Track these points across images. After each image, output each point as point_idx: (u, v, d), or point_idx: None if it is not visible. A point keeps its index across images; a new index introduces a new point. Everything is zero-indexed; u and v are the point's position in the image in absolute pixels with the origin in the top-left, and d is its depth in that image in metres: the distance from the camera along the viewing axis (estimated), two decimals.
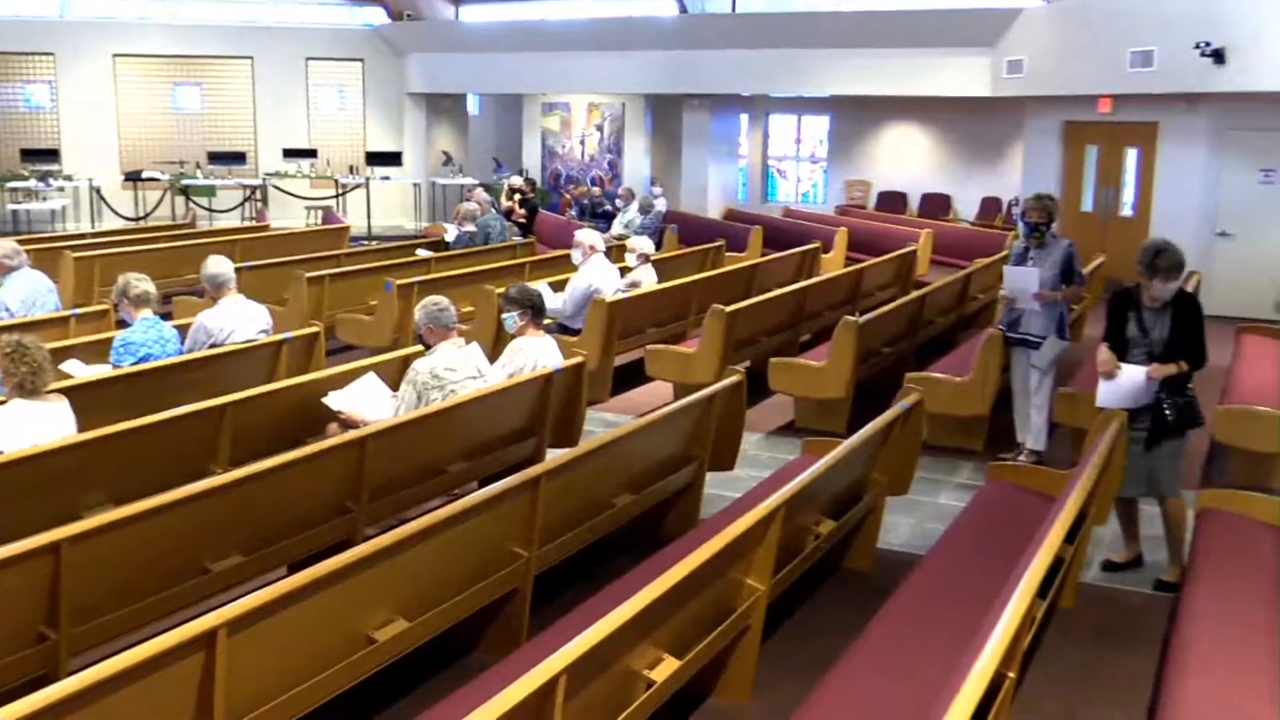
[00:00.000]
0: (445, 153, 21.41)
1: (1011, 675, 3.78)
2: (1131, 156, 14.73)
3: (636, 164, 20.16)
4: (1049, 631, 5.16)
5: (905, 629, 4.44)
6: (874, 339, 8.86)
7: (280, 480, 4.87)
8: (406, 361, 6.52)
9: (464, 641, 4.85)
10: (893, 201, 19.94)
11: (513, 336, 6.72)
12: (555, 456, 5.15)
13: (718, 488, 6.68)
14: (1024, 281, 7.31)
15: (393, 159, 20.30)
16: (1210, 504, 5.53)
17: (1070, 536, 4.68)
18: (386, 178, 20.14)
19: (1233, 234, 13.64)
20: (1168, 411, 5.54)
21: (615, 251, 11.96)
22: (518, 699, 2.92)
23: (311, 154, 20.21)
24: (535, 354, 6.55)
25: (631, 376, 9.67)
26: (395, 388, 6.26)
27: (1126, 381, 5.62)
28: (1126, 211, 14.96)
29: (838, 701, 3.88)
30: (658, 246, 14.11)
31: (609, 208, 18.31)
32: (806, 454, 6.17)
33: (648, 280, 10.36)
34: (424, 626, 4.24)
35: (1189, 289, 5.83)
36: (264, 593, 3.51)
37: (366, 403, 6.14)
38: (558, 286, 9.81)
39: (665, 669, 3.87)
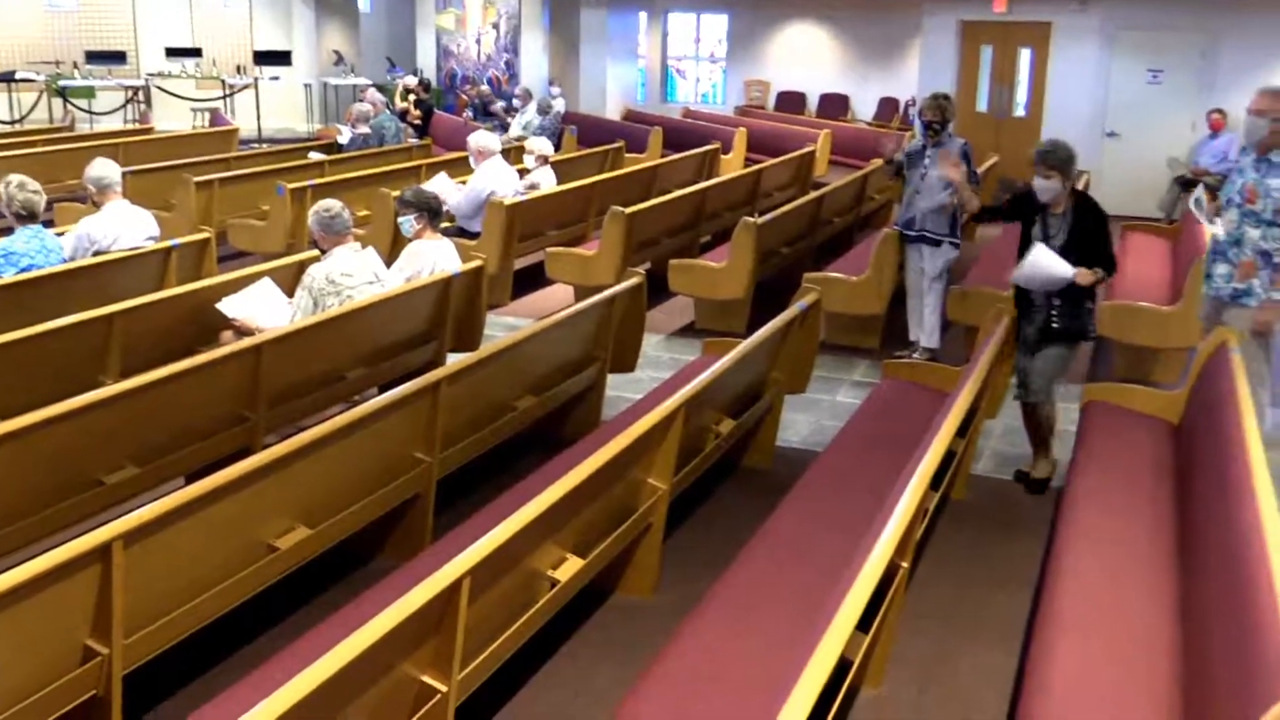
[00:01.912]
0: (336, 52, 20.77)
1: (905, 564, 3.91)
2: (1025, 56, 14.90)
3: (534, 64, 19.79)
4: (942, 521, 5.33)
5: (803, 523, 4.55)
6: (773, 239, 8.91)
7: (174, 390, 4.77)
8: (302, 267, 6.40)
9: (367, 547, 4.84)
10: (792, 102, 19.91)
11: (410, 240, 6.62)
12: (456, 361, 5.13)
13: (619, 389, 6.73)
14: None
15: (282, 58, 19.61)
16: (1095, 397, 5.71)
17: (962, 430, 4.82)
18: (276, 78, 19.48)
19: (1121, 134, 13.91)
20: (1054, 321, 5.43)
21: (513, 153, 11.81)
22: (421, 602, 2.94)
23: (196, 53, 19.43)
24: (433, 257, 6.47)
25: (532, 279, 9.63)
26: (291, 294, 6.15)
27: (1044, 267, 5.36)
28: (1020, 111, 15.18)
29: (738, 595, 3.98)
30: (556, 148, 13.95)
31: (501, 105, 17.99)
32: (706, 354, 6.23)
33: (547, 182, 10.26)
34: (326, 534, 4.23)
35: (1081, 191, 5.67)
36: (160, 504, 3.46)
37: (261, 309, 6.02)
38: (461, 184, 9.67)
39: (569, 568, 3.92)
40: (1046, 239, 5.44)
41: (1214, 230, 6.05)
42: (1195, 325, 6.90)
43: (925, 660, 4.26)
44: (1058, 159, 5.39)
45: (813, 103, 19.86)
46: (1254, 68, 12.78)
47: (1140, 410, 5.55)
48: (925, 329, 7.72)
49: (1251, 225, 5.66)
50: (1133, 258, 9.18)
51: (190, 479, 4.50)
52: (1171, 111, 13.64)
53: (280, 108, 19.99)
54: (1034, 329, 5.57)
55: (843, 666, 3.12)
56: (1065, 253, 5.34)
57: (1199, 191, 6.23)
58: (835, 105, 19.51)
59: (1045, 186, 5.42)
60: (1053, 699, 3.22)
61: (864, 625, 3.30)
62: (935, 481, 4.25)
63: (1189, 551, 4.01)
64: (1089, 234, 5.42)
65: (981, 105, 15.44)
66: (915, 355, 7.61)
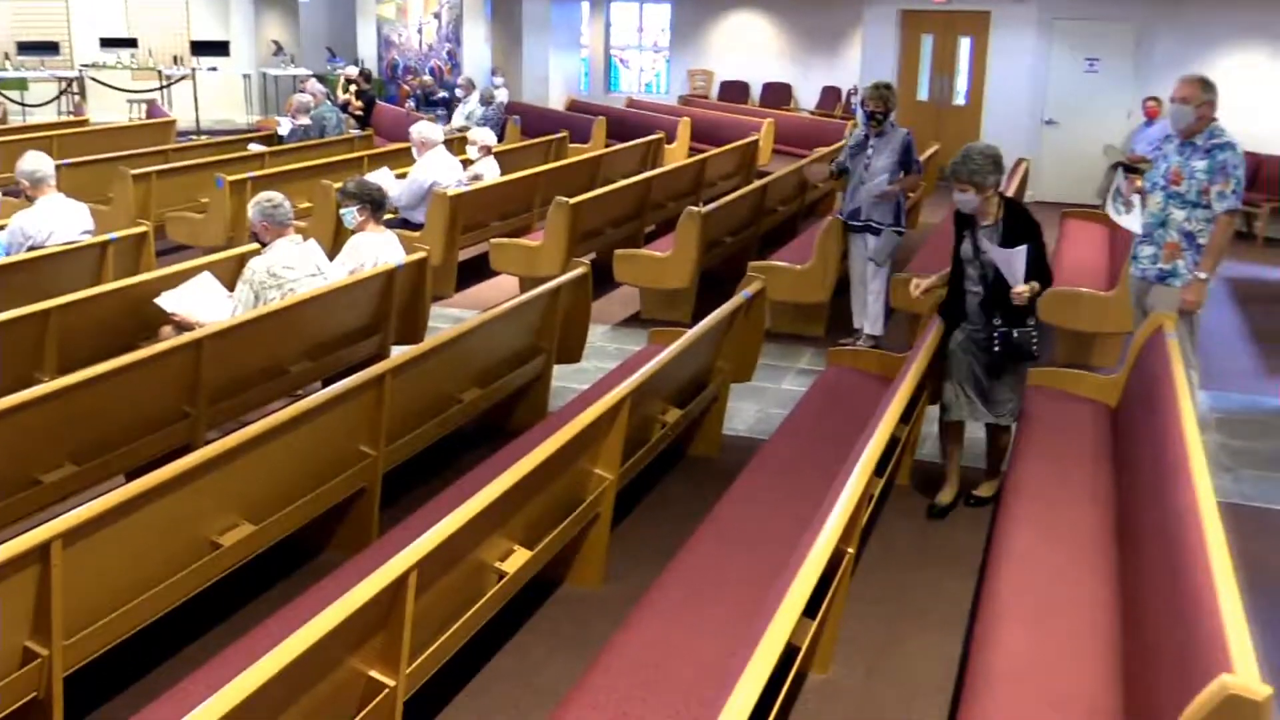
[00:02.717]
0: (276, 42, 20.53)
1: (851, 550, 3.95)
2: (965, 46, 15.03)
3: (477, 53, 19.67)
4: (887, 507, 5.37)
5: (750, 511, 4.57)
6: (717, 229, 8.94)
7: (113, 386, 4.70)
8: (242, 260, 6.32)
9: (313, 542, 4.81)
10: (735, 91, 19.94)
11: (352, 232, 6.57)
12: (400, 353, 5.10)
13: (565, 380, 6.72)
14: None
15: (220, 49, 19.34)
16: (1037, 381, 5.79)
17: (905, 417, 4.87)
18: (214, 69, 19.22)
19: (1059, 122, 14.09)
20: (996, 343, 5.07)
21: (456, 144, 11.74)
22: (368, 596, 2.92)
23: (131, 44, 19.12)
24: (376, 250, 6.42)
25: (476, 271, 9.59)
26: (231, 288, 6.08)
27: (1012, 266, 4.99)
28: (960, 100, 15.31)
29: (686, 583, 3.99)
30: (500, 138, 13.89)
31: (446, 96, 17.87)
32: (652, 344, 6.24)
33: (490, 173, 10.21)
34: (270, 529, 4.19)
35: (1018, 194, 5.67)
36: (100, 502, 3.41)
37: (201, 303, 5.95)
38: (401, 177, 9.60)
39: (517, 560, 3.91)
40: (977, 254, 5.12)
41: (1125, 222, 6.17)
42: (1131, 310, 7.03)
43: (872, 644, 4.30)
44: (968, 171, 5.02)
45: (756, 92, 19.91)
46: (1187, 56, 12.98)
47: (1080, 394, 5.64)
48: (869, 316, 7.78)
49: (1176, 207, 5.79)
50: (1071, 244, 9.32)
51: (130, 476, 4.41)
52: (1108, 99, 13.83)
53: (219, 99, 19.72)
54: (977, 349, 5.20)
55: (790, 652, 3.15)
56: (998, 267, 5.05)
57: (1118, 180, 6.29)
58: (778, 94, 19.57)
59: (962, 200, 5.10)
60: (996, 680, 3.27)
61: (811, 611, 3.33)
62: (880, 468, 4.29)
63: (1128, 533, 4.07)
64: (1030, 243, 5.03)
65: (923, 94, 15.57)
66: (859, 343, 7.66)
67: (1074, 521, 4.29)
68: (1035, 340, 5.11)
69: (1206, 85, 5.76)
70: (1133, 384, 5.38)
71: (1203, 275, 5.73)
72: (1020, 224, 5.08)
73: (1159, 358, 4.98)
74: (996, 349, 5.07)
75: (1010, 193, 9.94)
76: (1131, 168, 10.92)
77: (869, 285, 7.73)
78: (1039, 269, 5.03)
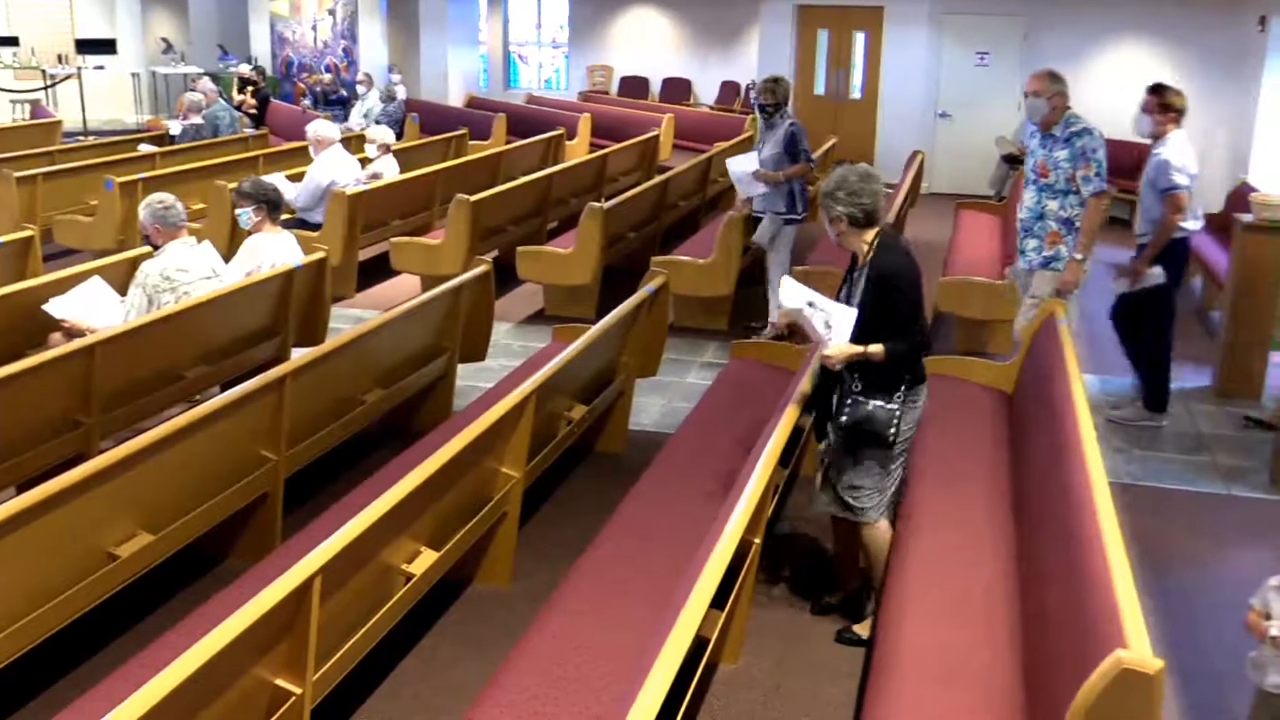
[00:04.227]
0: (165, 40, 20.05)
1: (757, 540, 3.99)
2: (860, 40, 15.24)
3: (373, 50, 19.43)
4: (793, 497, 5.44)
5: (657, 505, 4.59)
6: (620, 224, 8.96)
7: (0, 396, 4.56)
8: (134, 264, 6.17)
9: (216, 550, 4.72)
10: (635, 87, 19.99)
11: (248, 233, 6.45)
12: (300, 355, 5.02)
13: (470, 379, 6.68)
14: (741, 167, 7.65)
15: (106, 47, 18.83)
16: (935, 370, 5.88)
17: (808, 407, 4.91)
18: (101, 67, 18.71)
19: (952, 115, 14.37)
20: (844, 415, 4.06)
21: (355, 142, 11.59)
22: (271, 603, 2.88)
23: (13, 42, 18.52)
24: (273, 251, 6.32)
25: (377, 270, 9.49)
26: (124, 292, 5.93)
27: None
28: (856, 94, 15.53)
29: (595, 579, 4.00)
30: (399, 136, 13.75)
31: (343, 94, 17.63)
32: (556, 341, 6.23)
33: (389, 171, 10.10)
34: (169, 539, 4.10)
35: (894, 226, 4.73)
36: None
37: (92, 309, 5.79)
38: (295, 179, 9.45)
39: (424, 561, 3.88)
40: (849, 299, 4.12)
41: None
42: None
43: (781, 633, 4.35)
44: (832, 201, 4.04)
45: (655, 87, 19.98)
46: (1073, 50, 13.35)
47: (977, 381, 5.76)
48: (772, 304, 7.95)
49: (1049, 198, 5.99)
50: (965, 234, 9.52)
51: (22, 489, 4.31)
52: (998, 92, 14.13)
53: (106, 98, 19.21)
54: (829, 419, 4.20)
55: (699, 644, 3.18)
56: (861, 316, 3.99)
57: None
58: (678, 89, 19.66)
59: (832, 235, 4.17)
60: (901, 663, 3.33)
61: (719, 602, 3.36)
62: (784, 458, 4.34)
63: (1025, 514, 4.18)
64: (875, 299, 4.00)
65: (819, 88, 15.75)
66: (765, 332, 7.82)
67: (974, 505, 4.39)
68: (895, 422, 4.02)
69: (1055, 77, 5.95)
70: (1027, 370, 5.51)
71: (1079, 256, 5.95)
72: (880, 268, 4.01)
73: (1052, 344, 5.11)
74: (843, 420, 4.05)
75: (906, 185, 10.21)
76: (1019, 159, 11.17)
77: (768, 273, 7.91)
78: (894, 324, 3.97)
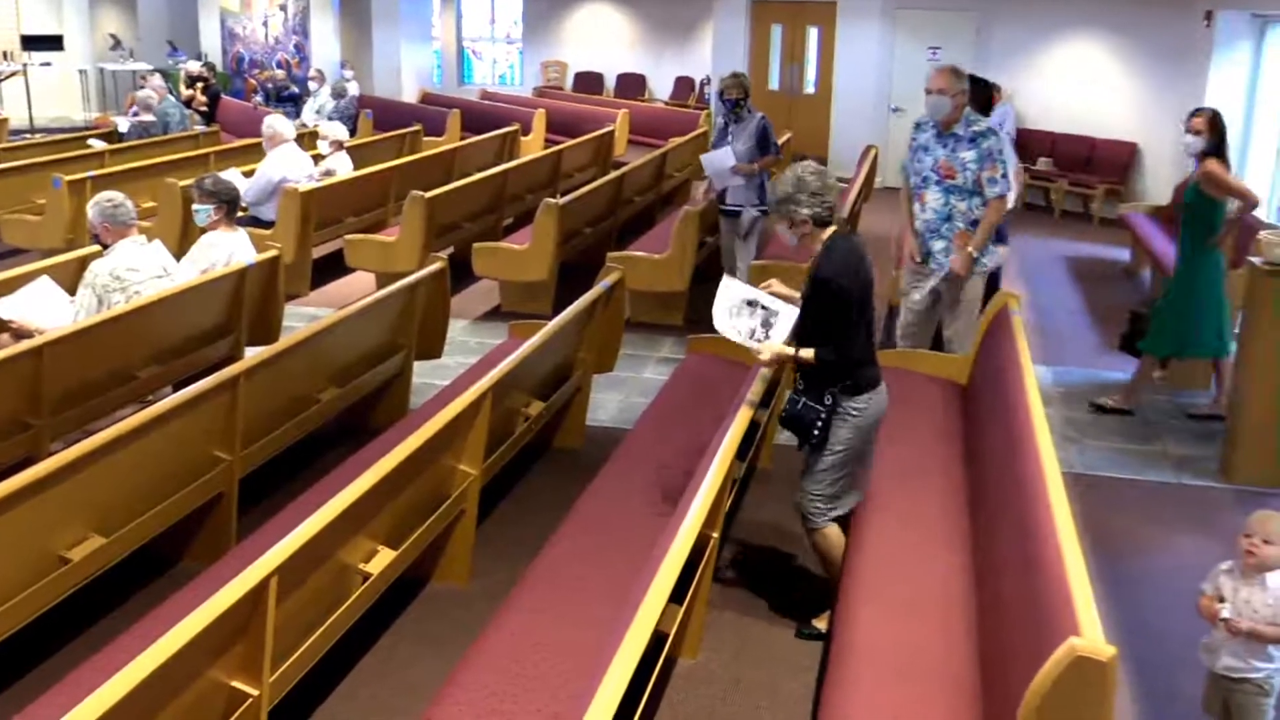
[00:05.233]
0: (113, 36, 19.78)
1: (715, 535, 4.00)
2: (814, 35, 15.31)
3: (325, 46, 19.28)
4: (751, 490, 5.46)
5: (615, 500, 4.59)
6: (575, 220, 8.95)
7: None
8: (84, 263, 6.08)
9: (170, 552, 4.67)
10: (589, 82, 19.98)
11: (201, 231, 6.38)
12: (254, 354, 4.98)
13: (426, 376, 6.65)
14: (720, 162, 7.70)
15: (53, 43, 18.54)
16: (888, 363, 5.92)
17: (765, 402, 4.94)
18: (47, 64, 18.42)
19: (905, 109, 14.45)
20: (785, 410, 4.11)
21: (308, 139, 11.50)
22: (227, 605, 2.85)
23: None
24: (229, 249, 6.25)
25: (331, 268, 9.43)
26: (73, 292, 5.85)
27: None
28: (810, 89, 15.59)
29: (553, 576, 3.99)
30: (352, 133, 13.66)
31: (295, 90, 17.48)
32: (513, 337, 6.21)
33: (343, 168, 10.03)
34: (122, 541, 4.05)
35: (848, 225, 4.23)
36: None
37: (41, 309, 5.70)
38: (251, 176, 9.36)
39: (381, 560, 3.86)
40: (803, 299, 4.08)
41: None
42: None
43: (739, 628, 4.36)
44: (793, 204, 3.94)
45: (610, 83, 19.99)
46: (1025, 44, 13.46)
47: (931, 373, 5.80)
48: None
49: (958, 199, 5.96)
50: None
51: None
52: None
53: (53, 95, 18.91)
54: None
55: (658, 639, 3.18)
56: (802, 321, 4.04)
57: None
58: (632, 85, 19.67)
59: (780, 232, 4.11)
60: (858, 656, 3.35)
61: (677, 597, 3.37)
62: (741, 452, 4.35)
63: (980, 506, 4.22)
64: (810, 300, 3.99)
65: (774, 83, 15.80)
66: None
67: (929, 497, 4.42)
68: (821, 424, 4.00)
69: (958, 74, 5.94)
70: (981, 362, 5.56)
71: (971, 250, 5.93)
72: (816, 271, 3.94)
73: (1005, 336, 5.16)
74: (783, 415, 4.12)
75: (860, 180, 10.27)
76: None
77: (736, 263, 8.01)
78: (824, 330, 3.93)
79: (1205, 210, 6.29)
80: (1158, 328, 6.53)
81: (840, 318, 3.92)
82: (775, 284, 4.23)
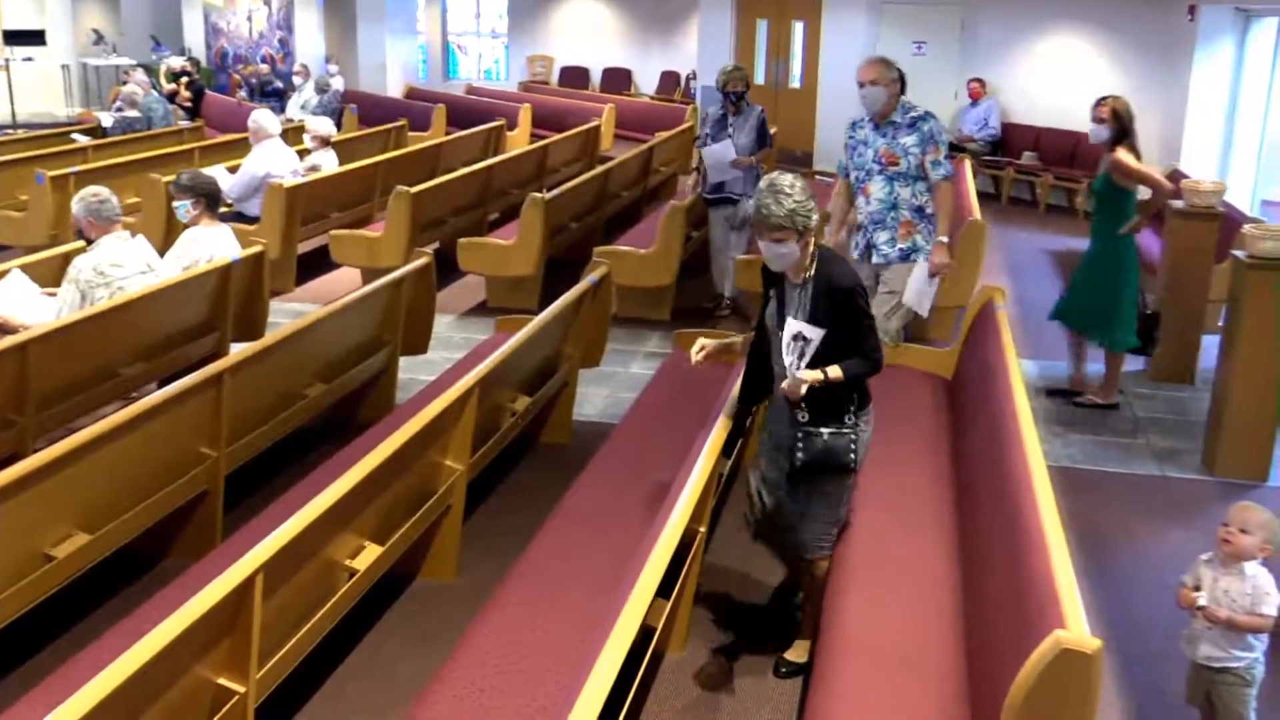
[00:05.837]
0: (96, 31, 19.69)
1: (702, 529, 4.01)
2: (799, 30, 15.30)
3: (310, 41, 19.23)
4: (736, 485, 5.46)
5: (602, 495, 4.60)
6: (561, 215, 8.93)
7: None
8: (68, 259, 6.05)
9: (156, 549, 4.66)
10: (575, 77, 19.96)
11: (185, 227, 6.35)
12: (239, 350, 4.97)
13: (412, 371, 6.64)
14: (722, 155, 7.84)
15: (35, 38, 18.45)
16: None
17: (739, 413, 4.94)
18: (29, 59, 18.33)
19: None
20: (799, 451, 3.73)
21: (293, 134, 11.46)
22: (212, 602, 2.84)
23: None
24: (211, 245, 6.23)
25: (316, 264, 9.40)
26: (56, 287, 5.82)
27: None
28: (796, 83, 15.60)
29: (540, 571, 4.00)
30: (337, 128, 13.62)
31: (280, 85, 17.42)
32: (499, 333, 6.21)
33: (328, 164, 10.00)
34: (107, 538, 4.04)
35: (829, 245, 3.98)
36: None
37: (20, 305, 5.68)
38: (235, 171, 9.33)
39: (368, 556, 3.85)
40: (782, 321, 3.75)
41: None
42: (968, 285, 7.29)
43: (727, 621, 4.37)
44: (787, 213, 3.55)
45: (596, 77, 19.96)
46: (1009, 38, 13.49)
47: (917, 368, 5.82)
48: (729, 278, 8.26)
49: (902, 185, 5.94)
50: None
51: None
52: (935, 81, 14.21)
53: (36, 91, 18.82)
54: (777, 451, 3.91)
55: (646, 633, 3.18)
56: (829, 339, 3.65)
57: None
58: (618, 79, 19.65)
59: (778, 254, 3.64)
60: (847, 647, 3.36)
61: (665, 591, 3.37)
62: (728, 447, 4.35)
63: (966, 498, 4.23)
64: (834, 316, 3.64)
65: (759, 78, 15.79)
66: (722, 307, 8.23)
67: (916, 490, 4.43)
68: (854, 446, 3.73)
69: (889, 65, 5.93)
70: (966, 356, 5.57)
71: (944, 239, 5.92)
72: (831, 285, 3.64)
73: (990, 329, 5.17)
74: (799, 456, 3.74)
75: None
76: (959, 148, 11.30)
77: (732, 252, 8.15)
78: (856, 345, 3.66)
79: (1116, 199, 6.47)
80: (1072, 302, 6.72)
81: (870, 324, 3.71)
82: (708, 344, 4.00)
